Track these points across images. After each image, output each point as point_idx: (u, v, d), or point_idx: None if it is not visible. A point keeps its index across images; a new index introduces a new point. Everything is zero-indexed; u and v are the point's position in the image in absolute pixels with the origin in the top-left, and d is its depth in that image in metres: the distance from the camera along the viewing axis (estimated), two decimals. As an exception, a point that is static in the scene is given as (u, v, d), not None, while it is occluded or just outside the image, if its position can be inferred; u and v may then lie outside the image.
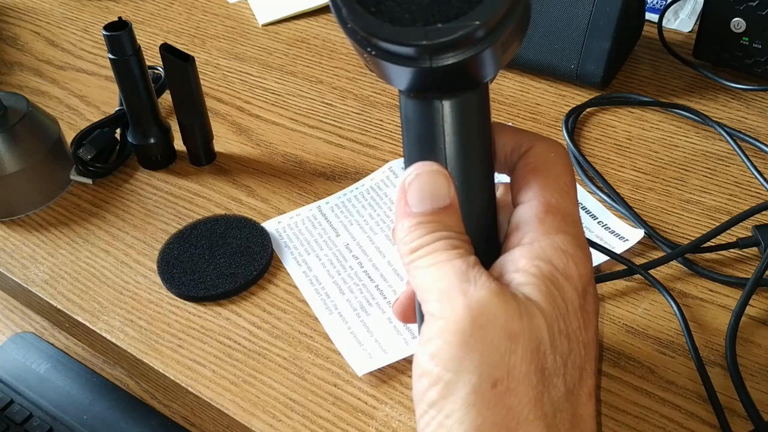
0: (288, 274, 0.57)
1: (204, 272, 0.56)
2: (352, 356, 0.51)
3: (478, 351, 0.30)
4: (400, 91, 0.35)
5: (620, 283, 0.55)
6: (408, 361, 0.51)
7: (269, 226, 0.61)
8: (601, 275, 0.55)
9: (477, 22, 0.29)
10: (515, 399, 0.30)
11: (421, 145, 0.34)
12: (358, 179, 0.65)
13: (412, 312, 0.39)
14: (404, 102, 0.35)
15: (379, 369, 0.51)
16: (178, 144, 0.68)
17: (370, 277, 0.56)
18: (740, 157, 0.64)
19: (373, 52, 0.31)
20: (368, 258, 0.58)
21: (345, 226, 0.60)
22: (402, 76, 0.33)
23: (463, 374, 0.30)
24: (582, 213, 0.60)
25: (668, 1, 0.79)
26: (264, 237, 0.58)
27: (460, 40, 0.30)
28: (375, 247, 0.58)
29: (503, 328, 0.30)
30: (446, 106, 0.33)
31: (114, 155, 0.68)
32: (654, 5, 0.82)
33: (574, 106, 0.70)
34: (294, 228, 0.61)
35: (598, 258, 0.55)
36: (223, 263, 0.57)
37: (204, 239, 0.59)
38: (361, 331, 0.53)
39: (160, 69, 0.73)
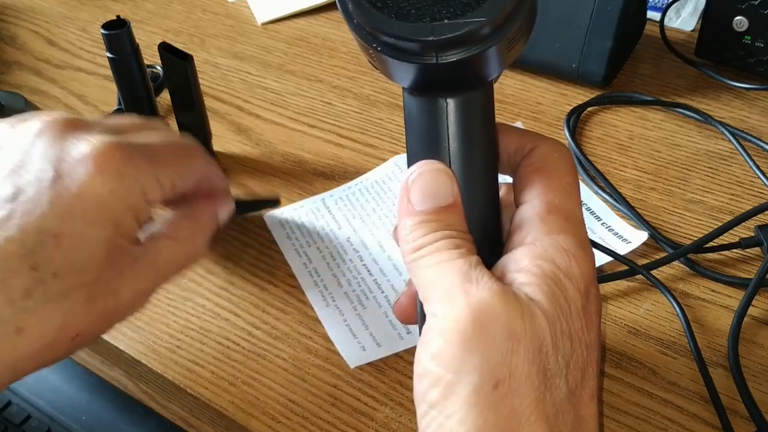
0: (288, 275, 0.57)
1: None
2: (346, 348, 0.51)
3: (480, 351, 0.30)
4: (404, 88, 0.35)
5: (622, 284, 0.55)
6: (407, 360, 0.51)
7: (272, 217, 0.61)
8: (603, 275, 0.54)
9: (484, 19, 0.29)
10: (517, 400, 0.30)
11: (424, 144, 0.34)
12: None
13: (413, 313, 0.39)
14: (408, 100, 0.35)
15: (379, 370, 0.50)
16: (177, 143, 0.67)
17: (369, 271, 0.56)
18: (743, 156, 0.64)
19: (379, 48, 0.31)
20: (369, 252, 0.58)
21: (347, 219, 0.60)
22: (407, 72, 0.33)
23: (465, 375, 0.30)
24: (586, 214, 0.60)
25: (670, 0, 0.78)
26: None
27: (466, 37, 0.30)
28: (376, 242, 0.58)
29: (505, 328, 0.30)
30: (451, 105, 0.33)
31: (112, 154, 0.67)
32: (656, 4, 0.82)
33: (576, 105, 0.70)
34: (297, 219, 0.61)
35: (600, 258, 0.54)
36: None
37: None
38: (357, 324, 0.53)
39: (159, 68, 0.72)
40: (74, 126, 0.38)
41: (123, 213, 0.37)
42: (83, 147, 0.37)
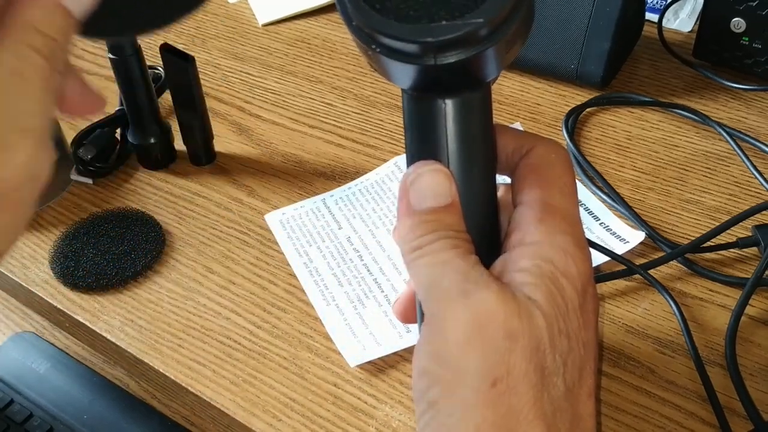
0: (289, 274, 0.57)
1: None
2: (346, 347, 0.52)
3: (478, 350, 0.30)
4: (403, 90, 0.35)
5: (620, 283, 0.55)
6: (407, 359, 0.51)
7: (273, 217, 0.61)
8: (601, 275, 0.55)
9: (481, 20, 0.30)
10: (515, 398, 0.30)
11: (423, 145, 0.35)
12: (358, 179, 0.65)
13: (412, 312, 0.39)
14: (407, 101, 0.35)
15: (379, 369, 0.51)
16: (178, 144, 0.68)
17: (369, 271, 0.57)
18: (740, 157, 0.64)
19: (378, 50, 0.31)
20: (369, 252, 0.58)
21: (348, 219, 0.61)
22: (406, 74, 0.33)
23: (463, 374, 0.30)
24: (584, 214, 0.60)
25: (668, 1, 0.79)
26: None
27: (464, 38, 0.30)
28: (376, 241, 0.59)
29: (502, 327, 0.30)
30: (449, 106, 0.33)
31: (114, 155, 0.68)
32: (654, 5, 0.82)
33: (574, 106, 0.70)
34: (297, 219, 0.61)
35: (598, 258, 0.55)
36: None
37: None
38: (357, 323, 0.53)
39: (160, 69, 0.73)
40: None
41: None
42: None
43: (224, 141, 0.69)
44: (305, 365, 0.51)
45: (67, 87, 0.33)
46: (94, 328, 0.55)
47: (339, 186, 0.64)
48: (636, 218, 0.59)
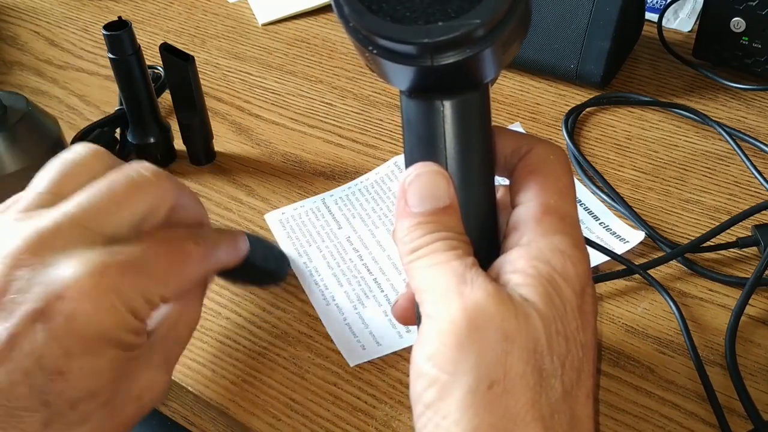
0: (288, 274, 0.57)
1: None
2: (346, 347, 0.52)
3: (474, 352, 0.30)
4: (401, 91, 0.35)
5: (620, 283, 0.55)
6: (406, 359, 0.51)
7: (272, 216, 0.61)
8: (600, 275, 0.55)
9: (478, 21, 0.30)
10: (512, 400, 0.30)
11: (421, 146, 0.35)
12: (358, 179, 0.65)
13: (411, 314, 0.39)
14: (405, 102, 0.35)
15: (378, 368, 0.51)
16: (178, 144, 0.68)
17: (369, 270, 0.57)
18: (740, 156, 0.64)
19: (375, 51, 0.31)
20: (368, 251, 0.58)
21: (347, 219, 0.61)
22: (403, 75, 0.33)
23: (460, 375, 0.30)
24: (584, 214, 0.60)
25: (668, 1, 0.79)
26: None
27: (460, 39, 0.30)
28: (376, 241, 0.59)
29: (499, 329, 0.30)
30: (447, 107, 0.33)
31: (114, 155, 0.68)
32: (654, 5, 0.82)
33: (574, 105, 0.70)
34: (297, 219, 0.61)
35: (598, 258, 0.55)
36: None
37: None
38: (357, 323, 0.53)
39: (160, 68, 0.73)
40: (54, 238, 0.35)
41: (121, 335, 0.36)
42: (68, 273, 0.34)
43: (224, 141, 0.69)
44: (305, 365, 0.52)
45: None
46: (93, 328, 0.55)
47: (339, 186, 0.64)
48: (636, 218, 0.59)
